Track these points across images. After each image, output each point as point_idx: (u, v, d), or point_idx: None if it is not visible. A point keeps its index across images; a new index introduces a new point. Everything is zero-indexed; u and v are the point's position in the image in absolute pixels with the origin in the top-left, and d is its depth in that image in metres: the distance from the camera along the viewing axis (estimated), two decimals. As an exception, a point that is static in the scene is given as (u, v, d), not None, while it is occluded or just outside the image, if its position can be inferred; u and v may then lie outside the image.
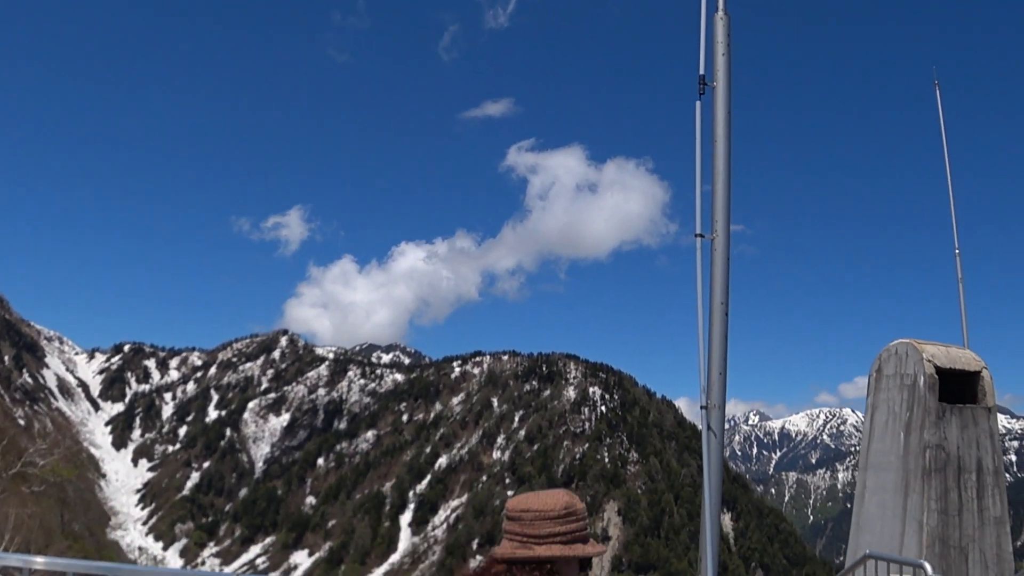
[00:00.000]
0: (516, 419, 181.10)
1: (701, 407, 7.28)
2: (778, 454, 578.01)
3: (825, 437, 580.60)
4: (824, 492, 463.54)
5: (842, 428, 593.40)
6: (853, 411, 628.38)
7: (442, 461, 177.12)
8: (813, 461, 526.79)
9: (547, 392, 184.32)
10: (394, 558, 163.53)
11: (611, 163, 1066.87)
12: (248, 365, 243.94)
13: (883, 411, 11.52)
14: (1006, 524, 11.12)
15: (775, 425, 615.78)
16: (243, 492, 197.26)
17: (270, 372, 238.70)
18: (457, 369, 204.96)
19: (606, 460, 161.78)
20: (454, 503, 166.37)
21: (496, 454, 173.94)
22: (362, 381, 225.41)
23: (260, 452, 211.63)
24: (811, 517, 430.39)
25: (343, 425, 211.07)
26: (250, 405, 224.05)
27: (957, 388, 11.33)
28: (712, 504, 6.68)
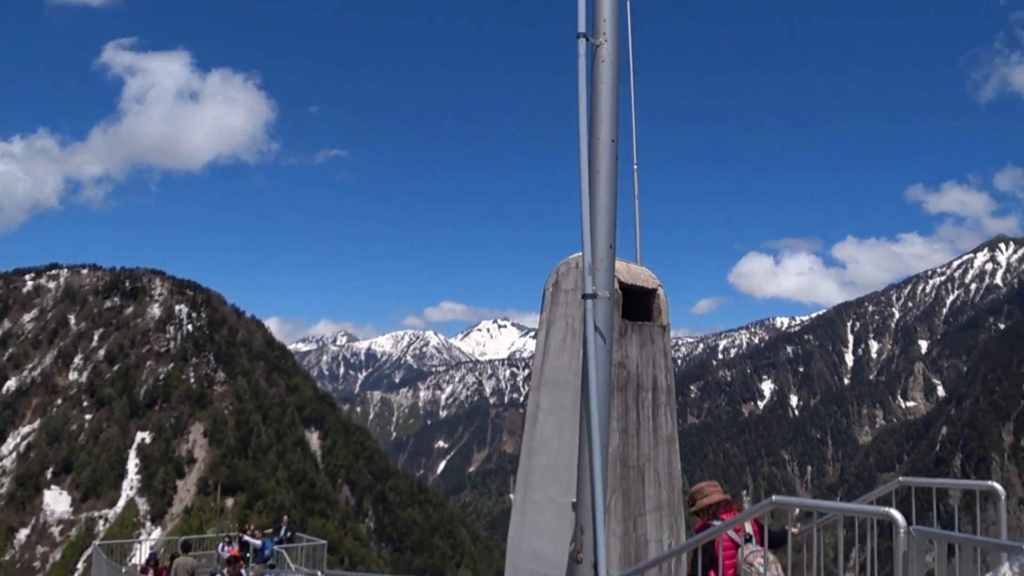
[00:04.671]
0: (96, 338, 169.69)
1: (584, 296, 5.95)
2: (364, 373, 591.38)
3: (409, 358, 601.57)
4: (407, 410, 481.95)
5: (425, 350, 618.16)
6: (436, 334, 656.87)
7: (11, 384, 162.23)
8: (397, 380, 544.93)
9: (130, 309, 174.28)
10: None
11: (217, 73, 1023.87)
12: None
13: (560, 327, 11.00)
14: (675, 442, 11.11)
15: (362, 346, 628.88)
16: None
17: None
18: (30, 283, 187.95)
19: (192, 380, 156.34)
20: (25, 430, 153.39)
21: (73, 375, 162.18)
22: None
23: None
24: (394, 434, 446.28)
25: None
26: None
27: (635, 305, 11.08)
28: (600, 421, 5.65)
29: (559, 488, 10.35)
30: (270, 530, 32.36)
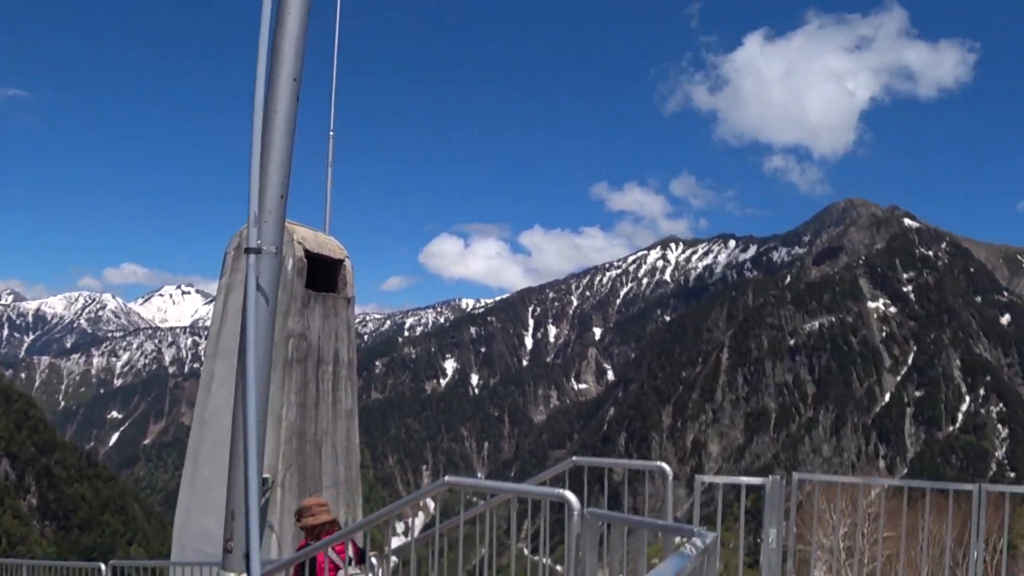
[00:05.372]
0: None
1: (247, 250, 5.18)
2: (31, 337, 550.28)
3: (83, 322, 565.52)
4: (78, 377, 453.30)
5: (101, 313, 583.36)
6: (114, 297, 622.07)
7: None
8: (68, 345, 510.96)
9: None
10: None
11: None
12: None
13: (240, 293, 10.48)
14: (355, 416, 10.94)
15: (30, 306, 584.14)
16: None
17: None
18: None
19: None
20: None
21: None
22: None
23: None
24: (63, 403, 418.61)
25: None
26: None
27: (320, 275, 10.77)
28: (257, 394, 5.01)
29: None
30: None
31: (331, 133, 11.25)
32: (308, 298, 10.34)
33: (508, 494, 6.63)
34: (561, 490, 5.00)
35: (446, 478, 5.80)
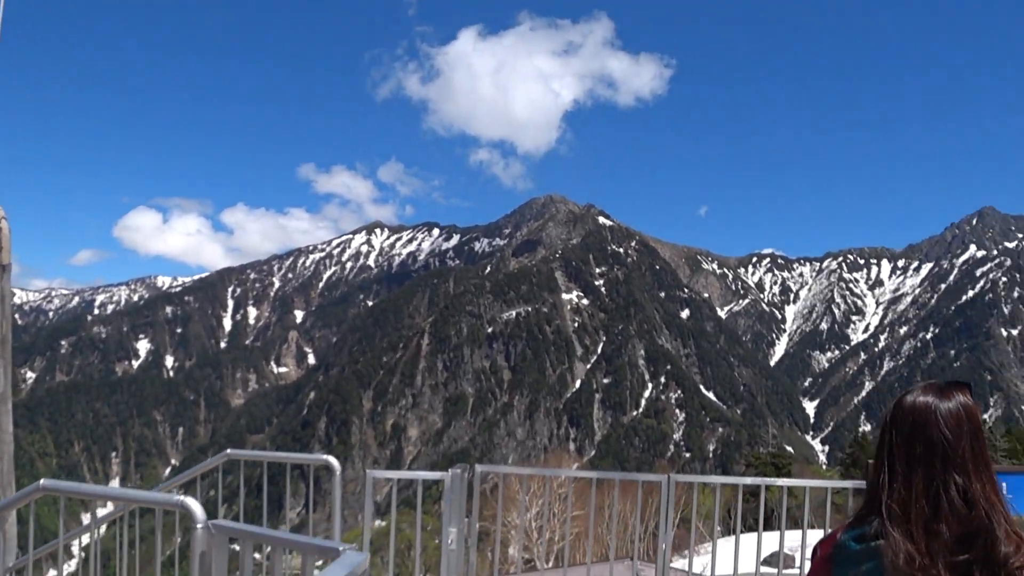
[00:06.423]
0: None
1: None
2: None
3: None
4: None
5: None
6: None
7: None
8: None
9: None
10: None
11: None
12: None
13: None
14: (8, 402, 9.70)
15: None
16: None
17: None
18: None
19: None
20: None
21: None
22: None
23: None
24: None
25: None
26: None
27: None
28: None
29: None
30: None
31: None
32: (-48, 265, 9.10)
33: (120, 502, 5.86)
34: (182, 497, 4.18)
35: (41, 482, 5.00)
